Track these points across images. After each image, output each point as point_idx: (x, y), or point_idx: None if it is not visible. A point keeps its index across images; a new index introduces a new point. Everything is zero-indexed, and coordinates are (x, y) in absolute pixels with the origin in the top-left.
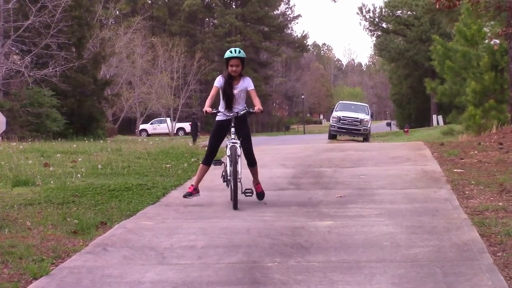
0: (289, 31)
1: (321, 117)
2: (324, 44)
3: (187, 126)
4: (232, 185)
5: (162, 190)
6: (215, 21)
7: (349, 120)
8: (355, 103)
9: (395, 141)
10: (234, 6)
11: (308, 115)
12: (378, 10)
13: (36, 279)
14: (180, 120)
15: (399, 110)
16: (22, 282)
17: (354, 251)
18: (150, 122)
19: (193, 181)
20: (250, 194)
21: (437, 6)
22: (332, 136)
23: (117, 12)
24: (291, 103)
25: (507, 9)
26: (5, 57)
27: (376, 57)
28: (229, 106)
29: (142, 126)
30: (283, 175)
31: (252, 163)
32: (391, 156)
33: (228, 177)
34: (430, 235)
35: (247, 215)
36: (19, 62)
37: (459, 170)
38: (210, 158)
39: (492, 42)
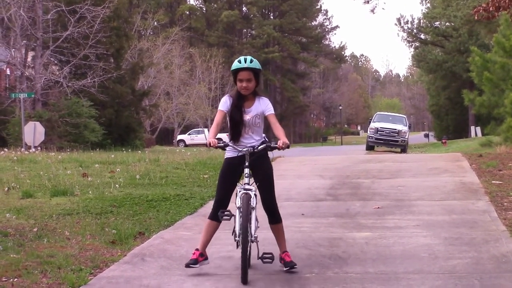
0: (326, 42)
1: (359, 128)
2: (362, 55)
3: (224, 136)
4: (242, 251)
5: (199, 200)
6: (253, 32)
7: (387, 131)
8: (393, 114)
9: (433, 153)
10: (272, 17)
11: (346, 126)
12: (416, 21)
13: None
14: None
15: (437, 122)
16: None
17: (392, 262)
18: (187, 133)
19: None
20: (270, 261)
21: (476, 17)
22: (370, 147)
23: (155, 23)
24: (329, 114)
25: None
26: (44, 67)
27: (414, 68)
28: (237, 138)
29: (179, 137)
30: (321, 186)
31: (274, 219)
32: (429, 167)
33: (237, 238)
34: (468, 246)
35: (284, 226)
36: (57, 73)
37: (497, 182)
38: (218, 210)
39: None
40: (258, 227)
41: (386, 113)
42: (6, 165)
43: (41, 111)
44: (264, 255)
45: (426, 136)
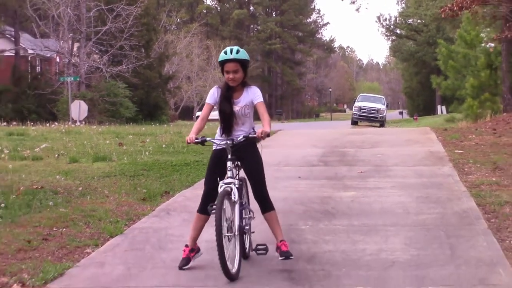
0: (319, 36)
1: (345, 106)
2: (348, 46)
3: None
4: (218, 249)
5: None
6: (259, 27)
7: (368, 109)
8: (373, 95)
9: (406, 127)
10: (274, 15)
11: (335, 105)
12: (393, 18)
13: (112, 237)
14: None
15: (409, 101)
16: (101, 240)
17: (372, 216)
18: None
19: None
20: (264, 252)
21: (443, 15)
22: (354, 123)
23: (178, 20)
24: (320, 95)
25: (501, 18)
26: (87, 56)
27: (391, 57)
28: (227, 129)
29: (198, 113)
30: (314, 154)
31: (266, 207)
32: (403, 139)
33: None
34: (435, 204)
35: (283, 187)
36: (98, 60)
37: (459, 151)
38: (207, 203)
39: (488, 46)
40: (254, 217)
41: (367, 94)
42: (56, 136)
43: (85, 91)
44: (258, 247)
45: (401, 113)
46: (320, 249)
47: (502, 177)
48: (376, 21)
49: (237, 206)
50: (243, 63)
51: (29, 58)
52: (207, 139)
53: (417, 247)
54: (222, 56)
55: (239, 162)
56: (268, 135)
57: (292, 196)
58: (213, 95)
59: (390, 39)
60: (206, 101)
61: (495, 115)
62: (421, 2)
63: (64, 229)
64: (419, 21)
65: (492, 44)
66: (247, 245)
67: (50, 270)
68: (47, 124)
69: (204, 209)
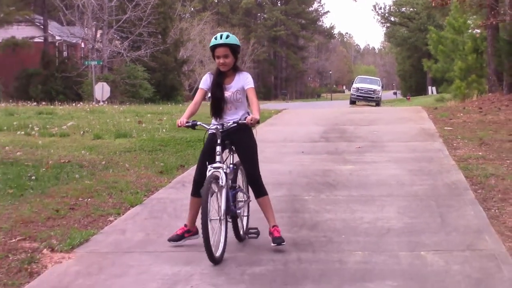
0: (320, 23)
1: (344, 88)
2: (347, 33)
3: None
4: (203, 232)
5: None
6: (265, 15)
7: (365, 90)
8: (370, 77)
9: (400, 106)
10: (279, 4)
11: (334, 86)
12: (387, 7)
13: (132, 206)
14: None
15: (402, 83)
16: (122, 209)
17: (370, 188)
18: None
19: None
20: (255, 236)
21: (433, 4)
22: (352, 102)
23: (192, 9)
24: (322, 77)
25: (487, 6)
26: (109, 42)
27: (386, 42)
28: (218, 114)
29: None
30: (316, 131)
31: (259, 192)
32: (397, 117)
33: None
34: (427, 176)
35: (288, 161)
36: (119, 46)
37: (448, 128)
38: (198, 186)
39: (474, 32)
40: (250, 200)
41: (364, 76)
42: (82, 114)
43: (107, 74)
44: (250, 230)
45: (395, 94)
46: (322, 218)
47: (488, 152)
48: (372, 10)
49: (224, 191)
50: (233, 48)
51: (57, 44)
52: (198, 123)
53: (410, 215)
54: (212, 42)
55: (233, 147)
56: (258, 121)
57: (296, 170)
58: (206, 80)
59: (385, 26)
60: (200, 86)
61: (481, 95)
62: None
63: (89, 199)
64: (411, 9)
65: (478, 30)
66: (242, 228)
67: (77, 236)
68: (73, 104)
69: (196, 192)
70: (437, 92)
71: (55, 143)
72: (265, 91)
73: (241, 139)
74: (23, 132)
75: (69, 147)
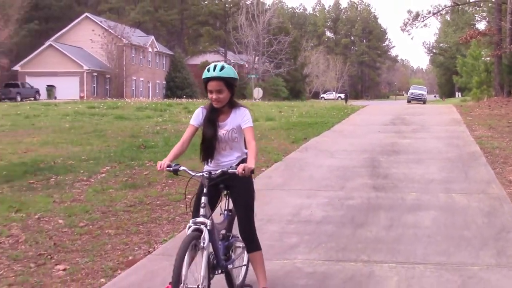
0: (389, 53)
1: (404, 92)
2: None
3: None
4: None
5: (331, 124)
6: (356, 48)
7: (416, 94)
8: (419, 86)
9: (438, 104)
10: (364, 41)
11: (398, 91)
12: (431, 43)
13: (276, 162)
14: (340, 92)
15: (440, 90)
16: (269, 163)
17: (420, 154)
18: (325, 93)
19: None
20: None
21: (460, 42)
22: (408, 102)
23: (311, 44)
24: (390, 86)
25: (494, 43)
26: (262, 64)
27: (429, 65)
28: (209, 155)
29: (322, 95)
30: (386, 119)
31: (250, 247)
32: (436, 111)
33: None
34: (456, 148)
35: (370, 138)
36: (268, 66)
37: (469, 118)
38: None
39: (486, 59)
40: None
41: (416, 85)
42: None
43: (261, 83)
44: (245, 286)
45: (435, 96)
46: (390, 171)
47: (494, 133)
48: (422, 45)
49: (205, 254)
50: (228, 82)
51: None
52: (181, 168)
53: (445, 171)
54: (204, 74)
55: (228, 191)
56: (252, 171)
57: (374, 142)
58: (197, 116)
59: (429, 55)
60: (190, 122)
61: (489, 98)
62: (447, 34)
63: None
64: (446, 45)
65: (488, 58)
66: (238, 280)
67: None
68: (243, 101)
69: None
70: (462, 96)
71: None
72: (355, 94)
73: (236, 187)
74: None
75: None
